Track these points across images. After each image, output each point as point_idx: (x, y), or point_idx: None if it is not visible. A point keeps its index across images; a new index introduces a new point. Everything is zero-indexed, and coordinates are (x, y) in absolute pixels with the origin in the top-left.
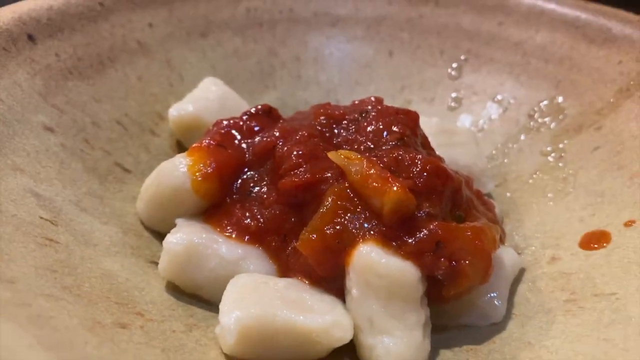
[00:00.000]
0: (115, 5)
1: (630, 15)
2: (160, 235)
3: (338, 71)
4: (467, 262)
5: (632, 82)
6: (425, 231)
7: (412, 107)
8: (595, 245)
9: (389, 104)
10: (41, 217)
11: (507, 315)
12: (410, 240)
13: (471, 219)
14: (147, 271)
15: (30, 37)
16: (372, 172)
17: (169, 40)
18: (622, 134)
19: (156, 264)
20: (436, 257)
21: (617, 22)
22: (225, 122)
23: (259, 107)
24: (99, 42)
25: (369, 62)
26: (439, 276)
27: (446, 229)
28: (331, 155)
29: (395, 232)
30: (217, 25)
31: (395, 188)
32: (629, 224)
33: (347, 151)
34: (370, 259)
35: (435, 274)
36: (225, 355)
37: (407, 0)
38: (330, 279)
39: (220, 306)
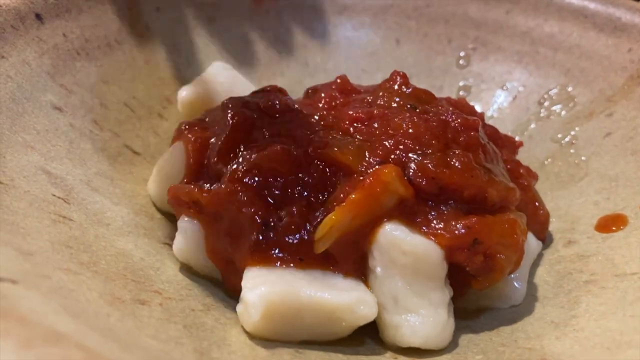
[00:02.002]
0: None
1: (638, 4)
2: (172, 218)
3: (345, 59)
4: (502, 256)
5: None
6: (461, 226)
7: None
8: (613, 228)
9: None
10: (54, 195)
11: (527, 297)
12: (442, 230)
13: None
14: (160, 252)
15: (38, 17)
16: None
17: (176, 24)
18: (634, 119)
19: (169, 245)
20: (472, 253)
21: (625, 10)
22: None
23: (268, 87)
24: (107, 24)
25: (376, 50)
26: (469, 270)
27: (484, 224)
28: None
29: (421, 207)
30: (224, 10)
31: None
32: None
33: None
34: (395, 237)
35: (467, 269)
36: (247, 333)
37: None
38: (350, 263)
39: (243, 283)
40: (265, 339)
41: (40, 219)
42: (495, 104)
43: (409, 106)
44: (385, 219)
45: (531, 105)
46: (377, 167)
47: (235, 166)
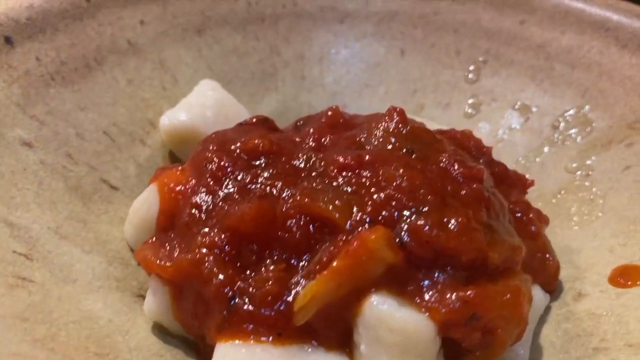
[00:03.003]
0: (103, 2)
1: None
2: None
3: (345, 72)
4: (503, 330)
5: None
6: (458, 298)
7: (426, 113)
8: (629, 282)
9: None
10: (14, 252)
11: None
12: (436, 304)
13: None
14: (133, 307)
15: (8, 40)
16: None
17: (162, 38)
18: None
19: (143, 297)
20: (469, 329)
21: None
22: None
23: (254, 119)
24: (85, 43)
25: (379, 61)
26: (465, 346)
27: (484, 296)
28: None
29: (414, 272)
30: (214, 21)
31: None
32: None
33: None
34: (382, 311)
35: (464, 345)
36: None
37: None
38: (334, 337)
39: None
40: None
41: None
42: (506, 125)
43: (405, 150)
44: (373, 289)
45: (545, 128)
46: (364, 228)
47: (203, 231)
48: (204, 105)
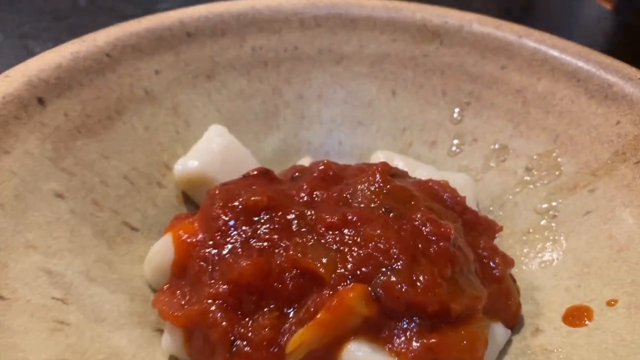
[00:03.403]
0: (121, 55)
1: (633, 72)
2: None
3: (341, 110)
4: None
5: (628, 146)
6: (422, 345)
7: (413, 150)
8: (578, 322)
9: (390, 144)
10: (53, 298)
11: None
12: (404, 349)
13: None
14: (152, 342)
15: (40, 100)
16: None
17: (175, 85)
18: (613, 200)
19: (160, 331)
20: None
21: (619, 78)
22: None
23: (255, 171)
24: (107, 95)
25: (372, 100)
26: None
27: (444, 343)
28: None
29: (387, 321)
30: (222, 66)
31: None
32: (611, 303)
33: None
34: (357, 357)
35: None
36: None
37: (411, 37)
38: None
39: None
40: None
41: (39, 332)
42: (485, 165)
43: (383, 210)
44: (352, 337)
45: (519, 170)
46: (346, 283)
47: (209, 282)
48: (212, 152)
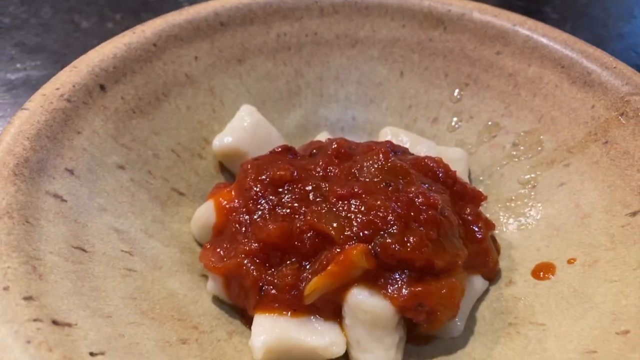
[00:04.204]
0: (165, 44)
1: (611, 61)
2: None
3: (355, 89)
4: (440, 313)
5: (599, 128)
6: (409, 292)
7: (418, 126)
8: (543, 276)
9: (397, 120)
10: (122, 250)
11: (466, 330)
12: (396, 295)
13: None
14: (199, 285)
15: (102, 87)
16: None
17: (211, 69)
18: (584, 174)
19: (205, 276)
20: (417, 312)
21: (597, 66)
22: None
23: (279, 148)
24: (155, 80)
25: (382, 81)
26: (415, 321)
27: (427, 291)
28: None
29: (383, 272)
30: (251, 51)
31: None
32: (571, 261)
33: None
34: (358, 300)
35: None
36: None
37: (418, 24)
38: (329, 311)
39: (252, 328)
40: None
41: (114, 277)
42: (478, 140)
43: (384, 184)
44: (355, 284)
45: (507, 145)
46: (351, 242)
47: (243, 241)
48: (244, 130)
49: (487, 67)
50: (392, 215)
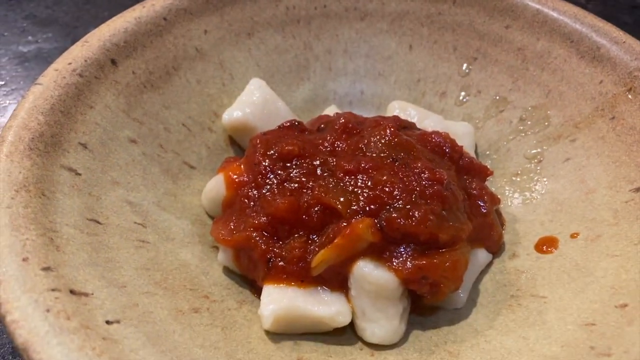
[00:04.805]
0: (175, 19)
1: (621, 35)
2: None
3: (364, 63)
4: (444, 285)
5: (607, 103)
6: (414, 265)
7: (426, 100)
8: (546, 250)
9: (406, 94)
10: (135, 222)
11: (469, 302)
12: (400, 267)
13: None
14: (210, 256)
15: (113, 62)
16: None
17: (220, 43)
18: (590, 149)
19: (216, 248)
20: (421, 285)
21: (607, 41)
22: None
23: (287, 123)
24: (165, 54)
25: (391, 54)
26: (419, 293)
27: (431, 265)
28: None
29: (389, 245)
30: (260, 24)
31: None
32: (574, 236)
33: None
34: (364, 272)
35: (418, 293)
36: (264, 331)
37: None
38: (336, 282)
39: (261, 298)
40: (275, 334)
41: (128, 249)
42: (486, 114)
43: (391, 159)
44: (361, 256)
45: (514, 119)
46: (358, 217)
47: (252, 214)
48: (253, 104)
49: (496, 41)
50: (398, 190)
